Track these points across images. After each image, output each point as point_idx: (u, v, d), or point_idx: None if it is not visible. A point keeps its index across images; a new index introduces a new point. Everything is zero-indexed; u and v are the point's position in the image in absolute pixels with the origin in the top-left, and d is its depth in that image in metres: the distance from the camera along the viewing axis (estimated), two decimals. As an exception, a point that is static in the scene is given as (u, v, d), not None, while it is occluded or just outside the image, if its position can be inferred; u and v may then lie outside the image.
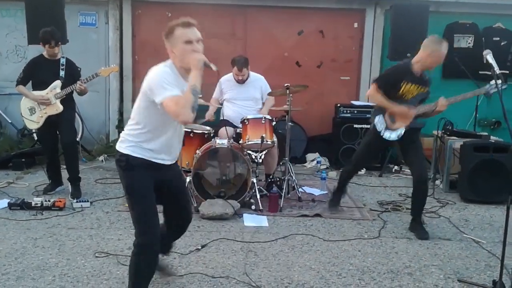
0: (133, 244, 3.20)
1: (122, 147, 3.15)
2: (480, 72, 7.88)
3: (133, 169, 3.09)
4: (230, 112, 6.37)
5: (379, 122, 5.00)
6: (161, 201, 3.32)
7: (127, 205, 3.46)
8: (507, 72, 8.14)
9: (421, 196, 5.03)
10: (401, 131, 4.92)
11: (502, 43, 8.37)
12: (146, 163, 3.10)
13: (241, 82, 6.35)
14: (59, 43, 5.80)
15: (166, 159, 3.20)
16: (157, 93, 2.87)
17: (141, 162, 3.09)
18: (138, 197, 3.15)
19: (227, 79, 6.46)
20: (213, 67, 3.07)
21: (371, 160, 5.71)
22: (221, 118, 6.48)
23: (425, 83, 4.90)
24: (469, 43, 8.43)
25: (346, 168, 5.67)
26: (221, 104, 6.48)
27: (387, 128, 4.97)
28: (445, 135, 6.94)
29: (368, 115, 7.74)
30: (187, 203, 3.61)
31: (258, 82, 6.46)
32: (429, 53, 4.75)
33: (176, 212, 3.52)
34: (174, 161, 3.34)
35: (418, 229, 5.04)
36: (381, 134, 4.97)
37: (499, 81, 4.27)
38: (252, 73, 6.45)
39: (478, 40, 8.37)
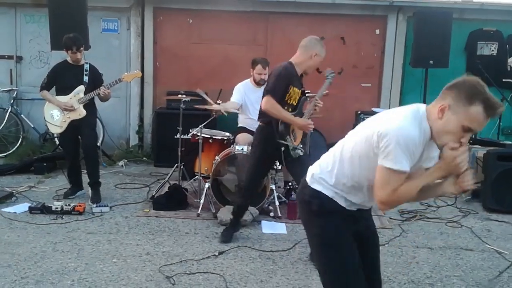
0: None
1: (314, 183, 2.56)
2: (503, 80, 7.77)
3: (331, 215, 2.51)
4: (248, 120, 6.30)
5: (290, 140, 4.45)
6: None
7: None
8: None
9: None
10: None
11: (526, 51, 8.24)
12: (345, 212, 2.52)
13: (261, 83, 6.26)
14: (81, 48, 5.86)
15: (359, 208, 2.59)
16: (385, 157, 2.26)
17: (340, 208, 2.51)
18: (339, 248, 2.50)
19: (244, 85, 6.42)
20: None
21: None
22: (239, 125, 6.45)
23: (302, 86, 4.56)
24: (492, 50, 8.31)
25: (244, 195, 4.85)
26: (238, 109, 6.38)
27: (294, 147, 4.47)
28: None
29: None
30: (376, 266, 2.74)
31: None
32: (314, 54, 4.44)
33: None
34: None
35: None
36: (294, 156, 4.46)
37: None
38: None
39: (502, 48, 8.24)
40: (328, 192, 2.51)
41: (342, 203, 2.51)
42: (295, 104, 4.50)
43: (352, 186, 2.48)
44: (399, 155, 2.23)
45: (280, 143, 4.41)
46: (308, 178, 2.61)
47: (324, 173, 2.54)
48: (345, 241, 2.50)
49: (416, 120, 2.30)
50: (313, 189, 2.54)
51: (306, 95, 4.64)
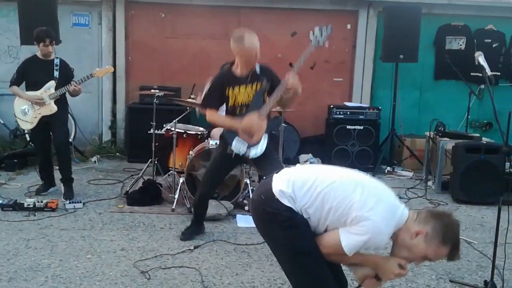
0: None
1: (284, 199, 2.55)
2: (472, 74, 7.95)
3: (299, 227, 2.54)
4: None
5: (238, 145, 4.28)
6: None
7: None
8: (499, 73, 8.23)
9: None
10: (264, 141, 4.34)
11: (494, 45, 8.43)
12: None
13: None
14: (53, 42, 5.79)
15: None
16: (350, 237, 2.42)
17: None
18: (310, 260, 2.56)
19: None
20: None
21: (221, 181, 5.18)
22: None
23: (257, 79, 4.31)
24: (460, 45, 8.48)
25: (201, 194, 4.73)
26: None
27: (249, 146, 4.28)
28: (437, 136, 6.98)
29: (361, 116, 7.84)
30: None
31: None
32: (237, 52, 4.26)
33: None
34: None
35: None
36: (247, 155, 4.31)
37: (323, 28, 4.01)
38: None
39: (470, 42, 8.42)
40: (296, 209, 2.54)
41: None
42: (247, 102, 4.33)
43: (313, 221, 2.55)
44: (358, 245, 2.42)
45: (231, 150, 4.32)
46: (275, 191, 2.57)
47: (295, 193, 2.54)
48: (314, 247, 2.54)
49: (393, 222, 2.45)
50: (282, 203, 2.54)
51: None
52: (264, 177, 3.78)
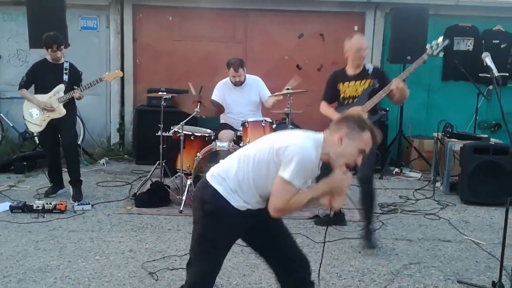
0: None
1: (214, 183, 2.71)
2: (480, 75, 7.92)
3: (219, 219, 2.69)
4: (229, 118, 6.39)
5: None
6: (260, 252, 2.95)
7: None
8: (507, 74, 8.17)
9: (365, 198, 4.85)
10: None
11: (502, 46, 8.39)
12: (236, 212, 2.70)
13: (238, 84, 6.34)
14: (61, 47, 5.83)
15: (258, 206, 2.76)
16: (287, 170, 2.54)
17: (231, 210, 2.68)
18: (212, 250, 2.75)
19: (224, 83, 6.48)
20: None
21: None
22: (221, 121, 6.50)
23: (366, 76, 4.89)
24: (468, 45, 8.45)
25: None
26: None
27: None
28: (445, 137, 6.95)
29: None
30: (292, 243, 2.92)
31: (255, 85, 6.47)
32: (345, 50, 4.96)
33: (285, 260, 2.88)
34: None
35: (366, 236, 4.75)
36: None
37: (440, 39, 4.59)
38: (248, 76, 6.45)
39: (478, 43, 8.39)
40: (225, 193, 2.67)
41: (237, 204, 2.67)
42: (354, 95, 4.93)
43: (249, 189, 2.67)
44: (297, 172, 2.53)
45: None
46: (208, 177, 2.75)
47: (226, 173, 2.71)
48: (220, 244, 2.75)
49: (316, 145, 2.64)
50: (213, 188, 2.68)
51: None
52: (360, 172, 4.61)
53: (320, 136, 2.71)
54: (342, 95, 5.00)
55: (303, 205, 2.63)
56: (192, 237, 2.82)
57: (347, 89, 4.96)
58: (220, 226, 2.68)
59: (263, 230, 2.83)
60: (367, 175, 4.80)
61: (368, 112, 4.77)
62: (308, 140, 2.63)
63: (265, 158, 2.64)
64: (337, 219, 5.32)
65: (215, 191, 2.67)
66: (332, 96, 5.12)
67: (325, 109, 5.12)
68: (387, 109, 7.90)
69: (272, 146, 2.63)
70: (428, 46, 4.73)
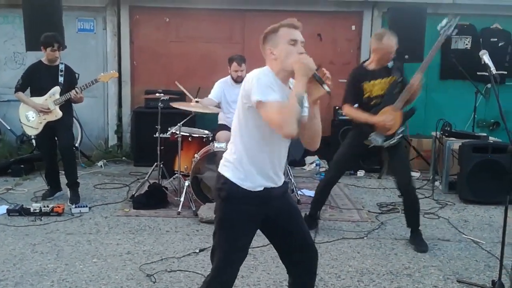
0: (207, 279, 2.82)
1: (223, 169, 2.74)
2: (478, 73, 7.90)
3: (235, 201, 2.68)
4: (227, 118, 6.34)
5: (376, 138, 4.66)
6: (272, 240, 2.90)
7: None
8: (505, 72, 8.17)
9: (411, 205, 4.81)
10: (400, 130, 4.70)
11: (499, 44, 8.38)
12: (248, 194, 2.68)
13: (239, 80, 6.30)
14: (61, 47, 5.82)
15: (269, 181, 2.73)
16: (255, 92, 2.51)
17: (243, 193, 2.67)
18: (232, 237, 2.73)
19: (224, 82, 6.44)
20: (326, 88, 2.62)
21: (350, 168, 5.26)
22: (219, 122, 6.48)
23: (389, 73, 4.68)
24: (466, 44, 8.44)
25: (328, 179, 5.08)
26: (219, 106, 6.40)
27: (385, 138, 4.66)
28: (443, 136, 6.94)
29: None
30: (305, 234, 2.87)
31: None
32: (374, 48, 4.71)
33: (294, 249, 2.84)
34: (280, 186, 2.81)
35: (416, 240, 4.78)
36: (383, 146, 4.68)
37: (448, 18, 4.47)
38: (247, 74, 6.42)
39: (475, 41, 8.37)
40: (234, 175, 2.67)
41: (248, 184, 2.66)
42: (381, 94, 4.68)
43: (252, 157, 2.67)
44: (261, 88, 2.51)
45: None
46: (219, 167, 2.78)
47: (229, 155, 2.74)
48: (241, 229, 2.71)
49: (265, 71, 2.67)
50: (223, 175, 2.71)
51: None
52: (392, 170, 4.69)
53: (263, 68, 2.72)
54: (367, 95, 4.68)
55: (296, 108, 2.48)
56: (215, 224, 2.80)
57: (373, 88, 4.68)
58: (237, 209, 2.68)
59: (279, 217, 2.79)
60: (406, 183, 4.71)
61: (402, 109, 4.64)
62: (257, 70, 2.67)
63: (243, 115, 2.67)
64: (314, 222, 5.16)
65: (225, 178, 2.69)
66: (356, 97, 4.76)
67: (352, 111, 4.73)
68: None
69: (239, 102, 2.69)
70: (439, 27, 4.55)
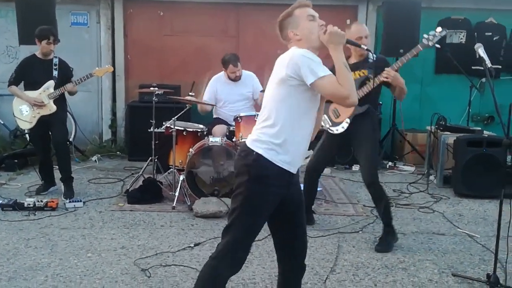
0: (212, 265, 2.73)
1: (256, 146, 2.66)
2: (472, 68, 7.91)
3: (264, 180, 2.64)
4: (222, 112, 6.36)
5: (325, 120, 4.77)
6: (274, 225, 2.86)
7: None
8: (500, 67, 8.17)
9: (375, 200, 4.69)
10: (347, 122, 4.67)
11: (494, 38, 8.37)
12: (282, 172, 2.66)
13: (237, 79, 6.30)
14: (56, 40, 5.78)
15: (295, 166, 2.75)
16: (313, 69, 2.53)
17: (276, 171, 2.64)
18: (254, 215, 2.67)
19: (217, 79, 6.43)
20: (364, 47, 2.92)
21: (327, 163, 5.25)
22: (214, 116, 6.47)
23: (363, 66, 4.65)
24: (461, 38, 8.44)
25: (307, 167, 5.04)
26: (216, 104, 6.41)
27: (334, 124, 4.75)
28: (438, 130, 6.94)
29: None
30: (304, 224, 2.93)
31: (249, 80, 6.43)
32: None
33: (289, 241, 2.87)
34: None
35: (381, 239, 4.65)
36: (330, 131, 4.76)
37: (439, 29, 4.48)
38: (243, 71, 6.42)
39: (470, 36, 8.37)
40: (270, 155, 2.62)
41: (283, 163, 2.63)
42: None
43: (292, 135, 2.64)
44: (315, 66, 2.55)
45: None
46: (249, 142, 2.70)
47: (263, 131, 2.67)
48: (264, 209, 2.67)
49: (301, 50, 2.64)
50: (253, 151, 2.64)
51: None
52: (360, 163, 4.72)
53: (291, 49, 2.72)
54: None
55: (351, 76, 2.62)
56: (233, 201, 2.72)
57: None
58: (265, 189, 2.63)
59: (290, 207, 2.79)
60: (368, 179, 4.61)
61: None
62: (295, 49, 2.67)
63: (283, 91, 2.62)
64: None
65: (258, 154, 2.63)
66: None
67: None
68: (380, 102, 7.86)
69: (280, 78, 2.62)
70: (425, 36, 4.59)
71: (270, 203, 2.68)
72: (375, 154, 4.89)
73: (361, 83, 4.62)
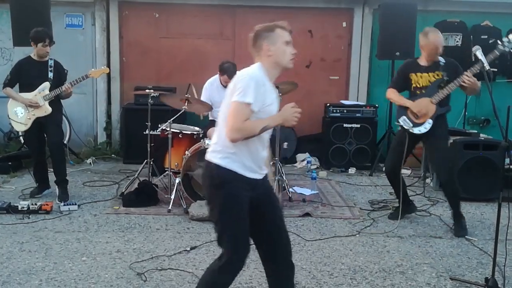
0: (219, 264, 2.88)
1: (213, 157, 2.86)
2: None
3: (230, 184, 2.82)
4: (217, 115, 6.32)
5: (404, 121, 5.08)
6: (254, 227, 2.93)
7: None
8: (496, 70, 8.17)
9: (449, 197, 5.23)
10: (428, 124, 4.97)
11: (490, 41, 8.35)
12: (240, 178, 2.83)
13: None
14: (51, 43, 5.74)
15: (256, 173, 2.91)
16: (239, 91, 2.73)
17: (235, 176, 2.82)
18: (234, 216, 2.83)
19: (212, 83, 6.40)
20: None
21: (403, 162, 5.53)
22: (210, 118, 6.44)
23: (437, 69, 4.97)
24: (457, 41, 8.44)
25: (390, 178, 5.36)
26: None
27: (414, 125, 5.03)
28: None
29: (357, 114, 7.80)
30: (282, 220, 3.08)
31: None
32: (421, 45, 5.04)
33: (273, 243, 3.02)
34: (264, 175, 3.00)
35: (456, 225, 5.15)
36: (412, 131, 5.03)
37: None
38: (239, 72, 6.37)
39: (466, 39, 8.38)
40: (225, 162, 2.80)
41: (239, 169, 2.81)
42: (426, 85, 5.03)
43: (238, 146, 2.80)
44: (245, 90, 2.72)
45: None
46: (207, 156, 2.90)
47: (217, 144, 2.88)
48: (239, 209, 2.82)
49: (258, 68, 2.90)
50: (214, 163, 2.83)
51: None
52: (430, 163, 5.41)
53: (255, 65, 2.93)
54: (414, 85, 5.09)
55: (259, 130, 2.77)
56: (213, 213, 2.92)
57: (420, 79, 5.04)
58: (233, 192, 2.81)
59: (260, 207, 2.93)
60: (443, 179, 5.26)
61: (437, 104, 4.93)
62: (252, 68, 2.89)
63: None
64: (408, 208, 5.42)
65: (216, 165, 2.81)
66: (402, 85, 5.20)
67: (393, 95, 5.21)
68: (376, 105, 7.87)
69: (230, 96, 2.81)
70: (499, 42, 4.65)
71: (243, 203, 2.83)
72: (451, 154, 5.42)
73: (438, 85, 4.94)
